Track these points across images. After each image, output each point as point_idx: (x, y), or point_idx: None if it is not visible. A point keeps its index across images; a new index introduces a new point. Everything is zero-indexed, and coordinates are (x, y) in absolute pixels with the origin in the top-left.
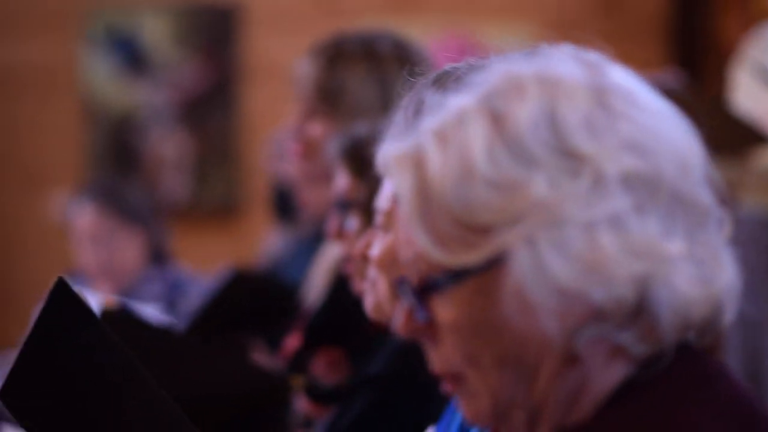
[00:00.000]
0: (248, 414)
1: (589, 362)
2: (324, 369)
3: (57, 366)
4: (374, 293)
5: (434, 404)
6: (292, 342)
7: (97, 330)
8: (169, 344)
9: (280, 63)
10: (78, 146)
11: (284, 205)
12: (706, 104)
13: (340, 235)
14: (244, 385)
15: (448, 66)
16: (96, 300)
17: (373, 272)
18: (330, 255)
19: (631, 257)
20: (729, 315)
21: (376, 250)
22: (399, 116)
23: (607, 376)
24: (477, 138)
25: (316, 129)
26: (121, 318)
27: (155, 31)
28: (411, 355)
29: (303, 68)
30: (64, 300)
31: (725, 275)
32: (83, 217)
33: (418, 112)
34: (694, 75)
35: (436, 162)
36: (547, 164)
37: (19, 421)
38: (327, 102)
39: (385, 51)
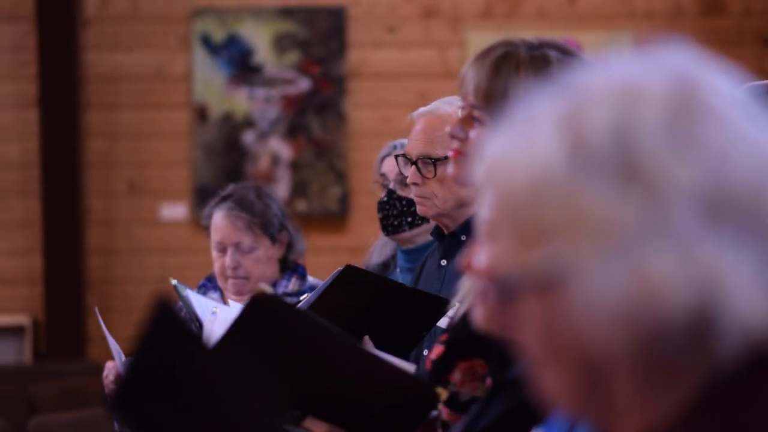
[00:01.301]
0: (390, 415)
1: (652, 379)
2: (462, 379)
3: (163, 378)
4: (485, 305)
5: None
6: (435, 351)
7: (197, 345)
8: (317, 335)
9: (382, 67)
10: (186, 152)
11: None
12: None
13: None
14: (391, 387)
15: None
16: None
17: (481, 283)
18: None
19: (686, 280)
20: None
21: (482, 260)
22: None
23: (671, 395)
24: (545, 145)
25: (478, 134)
26: (272, 304)
27: (258, 35)
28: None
29: (468, 70)
30: (165, 317)
31: None
32: (226, 226)
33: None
34: None
35: (507, 169)
36: (605, 176)
37: (129, 426)
38: (490, 110)
39: (553, 58)
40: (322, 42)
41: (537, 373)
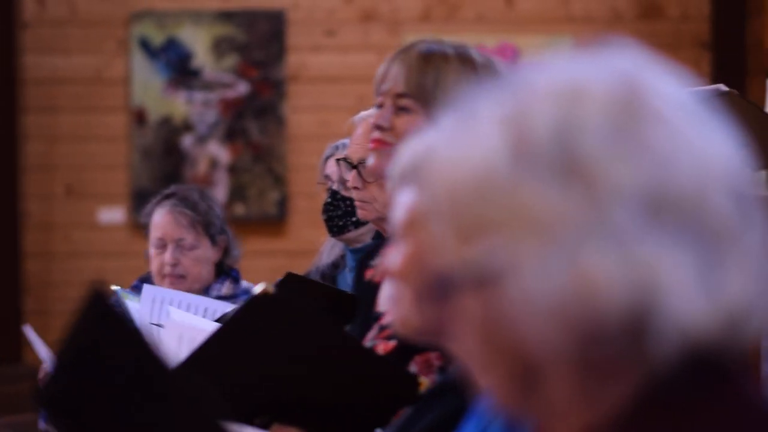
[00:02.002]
0: (373, 404)
1: (590, 379)
2: (419, 373)
3: (93, 371)
4: (399, 308)
5: None
6: (384, 347)
7: (134, 338)
8: (315, 330)
9: (321, 71)
10: (125, 156)
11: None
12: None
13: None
14: (375, 376)
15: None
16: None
17: (395, 286)
18: None
19: (624, 279)
20: (756, 326)
21: (395, 261)
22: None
23: (610, 395)
24: (488, 142)
25: (406, 124)
26: (271, 302)
27: (197, 39)
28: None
29: (389, 66)
30: (100, 309)
31: (738, 284)
32: (169, 222)
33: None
34: (736, 85)
35: (448, 166)
36: (546, 174)
37: (54, 422)
38: (421, 98)
39: (476, 57)
40: (261, 46)
41: (474, 371)
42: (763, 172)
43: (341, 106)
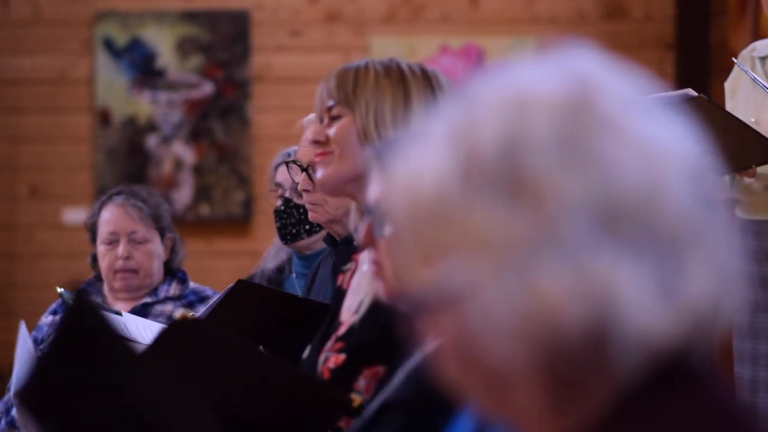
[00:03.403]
0: (302, 424)
1: (558, 392)
2: (368, 386)
3: (75, 373)
4: (384, 278)
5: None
6: (333, 360)
7: (114, 341)
8: (237, 353)
9: (286, 71)
10: (89, 156)
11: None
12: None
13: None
14: (304, 395)
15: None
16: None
17: (376, 259)
18: (368, 268)
19: (579, 293)
20: (720, 324)
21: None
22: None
23: (579, 407)
24: (438, 162)
25: (339, 129)
26: (191, 328)
27: (162, 39)
28: (432, 377)
29: (319, 89)
30: (84, 311)
31: (700, 286)
32: (121, 215)
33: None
34: (700, 86)
35: (403, 188)
36: (494, 191)
37: (36, 423)
38: (344, 100)
39: (408, 65)
40: (226, 46)
41: (453, 380)
42: (727, 176)
43: (306, 107)
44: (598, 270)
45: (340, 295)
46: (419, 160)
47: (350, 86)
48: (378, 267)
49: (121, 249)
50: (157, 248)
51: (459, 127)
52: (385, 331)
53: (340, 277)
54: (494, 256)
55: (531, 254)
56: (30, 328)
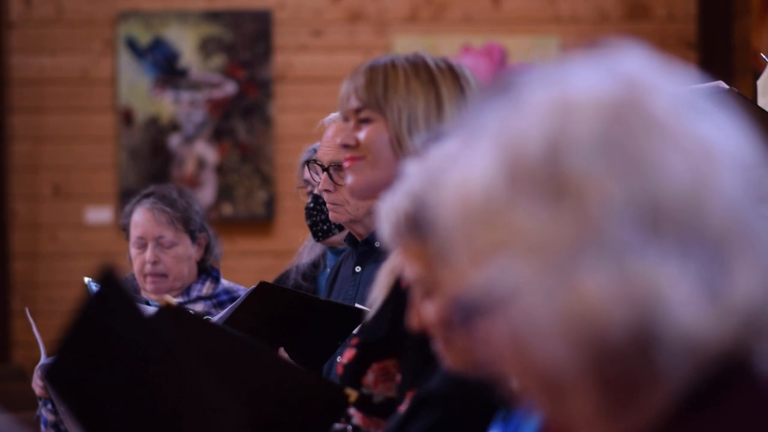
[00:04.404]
0: (300, 420)
1: (612, 395)
2: (375, 381)
3: (101, 351)
4: (454, 352)
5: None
6: (347, 355)
7: (141, 320)
8: (224, 344)
9: (308, 71)
10: (112, 156)
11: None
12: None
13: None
14: (299, 391)
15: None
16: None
17: (442, 337)
18: (390, 265)
19: (623, 295)
20: None
21: (432, 315)
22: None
23: (635, 411)
24: (484, 165)
25: (369, 133)
26: (179, 315)
27: (184, 39)
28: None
29: (345, 86)
30: (111, 290)
31: (748, 286)
32: (148, 220)
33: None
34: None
35: (452, 193)
36: (538, 192)
37: (63, 400)
38: (375, 104)
39: (435, 62)
40: (248, 46)
41: (511, 384)
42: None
43: (328, 106)
44: (642, 271)
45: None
46: (468, 164)
47: (380, 89)
48: (447, 344)
49: (148, 254)
50: (187, 250)
51: (506, 130)
52: (396, 326)
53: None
54: (538, 257)
55: (574, 256)
56: (49, 329)
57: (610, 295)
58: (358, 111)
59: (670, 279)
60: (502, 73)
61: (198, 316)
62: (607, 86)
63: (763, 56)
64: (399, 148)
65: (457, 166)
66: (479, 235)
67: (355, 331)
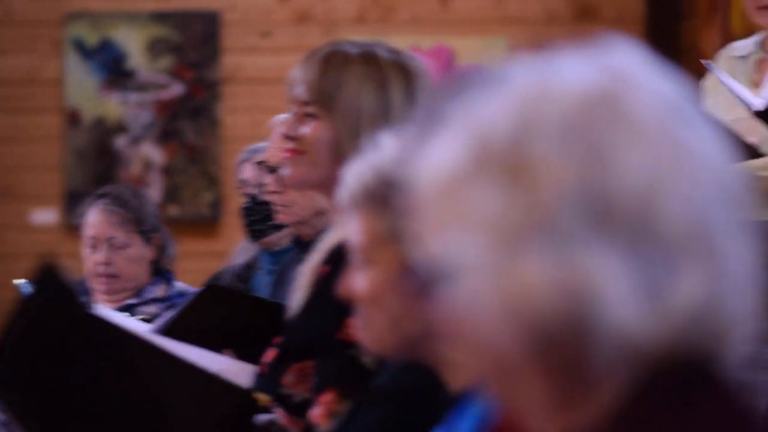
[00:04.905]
0: (208, 424)
1: (559, 382)
2: (295, 381)
3: (46, 348)
4: (371, 331)
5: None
6: (269, 354)
7: (85, 313)
8: (132, 346)
9: (256, 72)
10: (58, 157)
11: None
12: None
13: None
14: (208, 396)
15: (459, 75)
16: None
17: (364, 310)
18: (311, 264)
19: (559, 282)
20: (734, 333)
21: (363, 287)
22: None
23: (586, 402)
24: (452, 148)
25: (313, 130)
26: (88, 318)
27: (132, 40)
28: (420, 368)
29: (297, 72)
30: (51, 285)
31: (695, 290)
32: (101, 221)
33: (429, 123)
34: None
35: (422, 170)
36: (497, 173)
37: (6, 404)
38: (323, 103)
39: (383, 56)
40: (196, 47)
41: (466, 369)
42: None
43: (276, 108)
44: (583, 262)
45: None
46: (440, 145)
47: (332, 87)
48: (367, 324)
49: (99, 255)
50: (140, 251)
51: (481, 114)
52: (317, 327)
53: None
54: (487, 234)
55: (521, 237)
56: None
57: (548, 282)
58: (306, 103)
59: (610, 274)
60: (472, 68)
61: (108, 318)
62: (592, 77)
63: (705, 62)
64: (340, 151)
65: (429, 147)
66: (438, 209)
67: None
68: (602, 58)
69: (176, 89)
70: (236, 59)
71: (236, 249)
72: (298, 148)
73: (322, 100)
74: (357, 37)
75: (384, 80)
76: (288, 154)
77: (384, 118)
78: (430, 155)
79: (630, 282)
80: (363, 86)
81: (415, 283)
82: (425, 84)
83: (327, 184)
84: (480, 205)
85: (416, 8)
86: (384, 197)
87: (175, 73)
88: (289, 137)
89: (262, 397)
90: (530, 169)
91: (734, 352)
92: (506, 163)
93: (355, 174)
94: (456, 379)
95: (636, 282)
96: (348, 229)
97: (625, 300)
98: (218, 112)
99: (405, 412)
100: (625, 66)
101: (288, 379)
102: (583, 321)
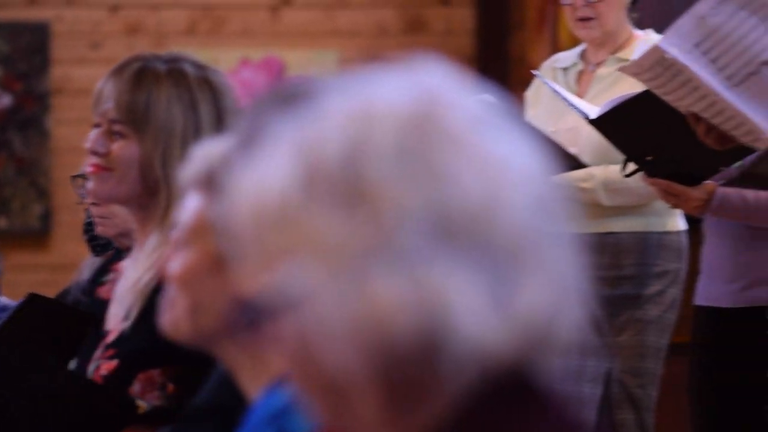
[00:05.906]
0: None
1: (397, 400)
2: (143, 390)
3: None
4: (172, 311)
5: None
6: (106, 367)
7: None
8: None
9: (86, 83)
10: None
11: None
12: None
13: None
14: (79, 400)
15: (284, 86)
16: None
17: (171, 290)
18: (134, 276)
19: (411, 302)
20: (558, 340)
21: (176, 266)
22: (234, 138)
23: (418, 416)
24: (281, 169)
25: (120, 149)
26: None
27: None
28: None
29: (105, 86)
30: None
31: (534, 298)
32: None
33: (252, 136)
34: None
35: (247, 193)
36: (334, 199)
37: None
38: (133, 123)
39: (191, 73)
40: (25, 58)
41: (296, 389)
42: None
43: None
44: (432, 279)
45: (102, 306)
46: (264, 169)
47: (141, 108)
48: (170, 304)
49: None
50: None
51: (305, 137)
52: (160, 335)
53: (100, 290)
54: (331, 262)
55: (366, 262)
56: None
57: (399, 302)
58: (114, 121)
59: (458, 288)
60: (283, 82)
61: None
62: (407, 98)
63: (534, 71)
64: (149, 170)
65: (253, 166)
66: (271, 239)
67: (109, 343)
68: (412, 77)
69: (5, 100)
70: (66, 70)
71: (83, 263)
72: (105, 165)
73: (132, 120)
74: (187, 48)
75: (193, 100)
76: (93, 170)
77: (194, 137)
78: (256, 176)
79: (478, 294)
80: (173, 106)
81: (248, 314)
82: (232, 100)
83: (134, 201)
84: (320, 233)
85: (247, 20)
86: (223, 184)
87: (4, 84)
88: (95, 153)
89: (142, 405)
90: (369, 194)
91: (558, 363)
92: (342, 188)
93: (203, 154)
94: (249, 384)
95: (483, 294)
96: (183, 206)
97: (474, 312)
98: (47, 124)
99: (222, 428)
100: (435, 85)
101: (135, 389)
102: (434, 336)
